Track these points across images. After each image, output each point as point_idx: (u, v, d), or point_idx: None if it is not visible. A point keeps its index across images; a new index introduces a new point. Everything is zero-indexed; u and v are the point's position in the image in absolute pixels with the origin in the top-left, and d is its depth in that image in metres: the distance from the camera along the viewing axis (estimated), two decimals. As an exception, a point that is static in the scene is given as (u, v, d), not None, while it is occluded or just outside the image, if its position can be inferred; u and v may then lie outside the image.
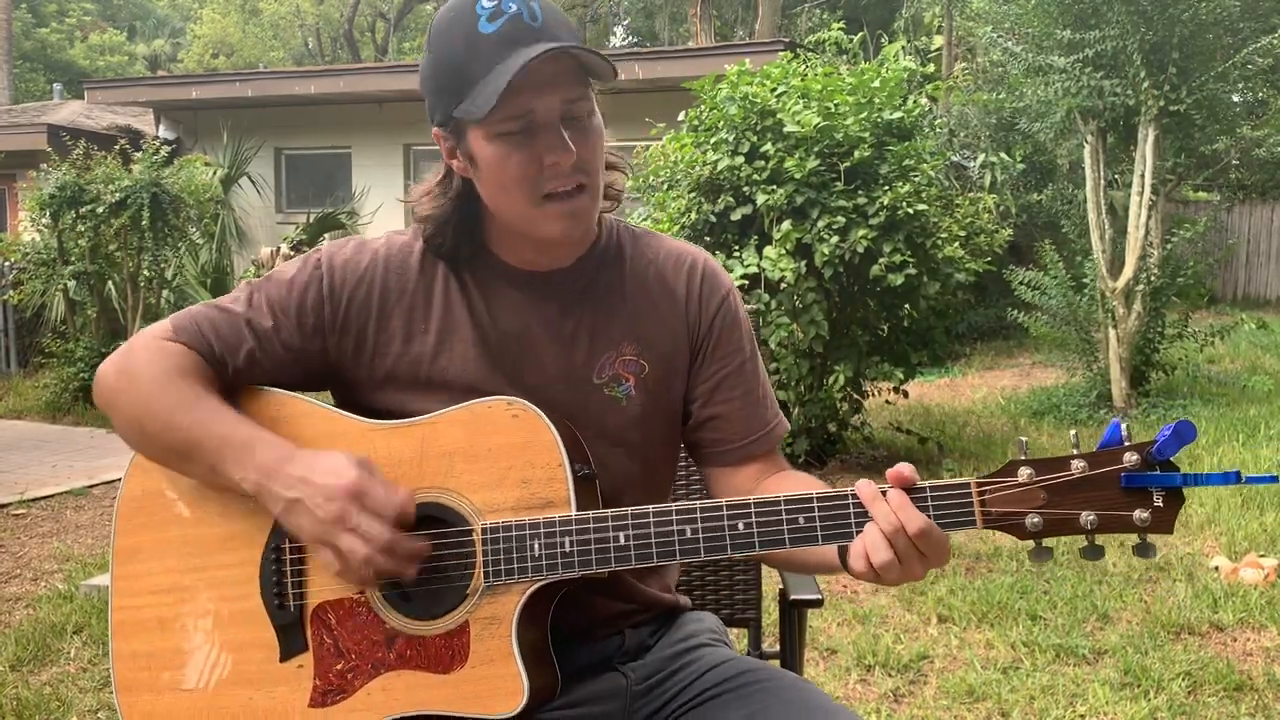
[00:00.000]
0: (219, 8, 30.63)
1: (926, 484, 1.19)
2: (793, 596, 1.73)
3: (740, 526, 1.21)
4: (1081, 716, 2.99)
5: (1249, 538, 4.53)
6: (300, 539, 1.26)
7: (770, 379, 5.92)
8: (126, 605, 1.36)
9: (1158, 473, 1.14)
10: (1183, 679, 3.17)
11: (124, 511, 1.38)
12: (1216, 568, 4.15)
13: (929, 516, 1.16)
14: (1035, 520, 1.16)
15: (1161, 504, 1.14)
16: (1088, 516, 1.15)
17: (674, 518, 1.23)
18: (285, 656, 1.31)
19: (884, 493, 1.18)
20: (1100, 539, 1.17)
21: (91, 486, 6.12)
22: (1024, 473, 1.17)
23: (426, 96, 1.33)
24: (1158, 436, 1.12)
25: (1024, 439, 1.22)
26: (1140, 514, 1.14)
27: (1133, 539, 1.17)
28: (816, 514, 1.20)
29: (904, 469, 1.18)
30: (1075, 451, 1.17)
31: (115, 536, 1.38)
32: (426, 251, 1.40)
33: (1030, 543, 1.19)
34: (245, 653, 1.32)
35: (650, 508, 1.24)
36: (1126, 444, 1.15)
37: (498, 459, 1.28)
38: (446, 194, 1.37)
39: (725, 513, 1.22)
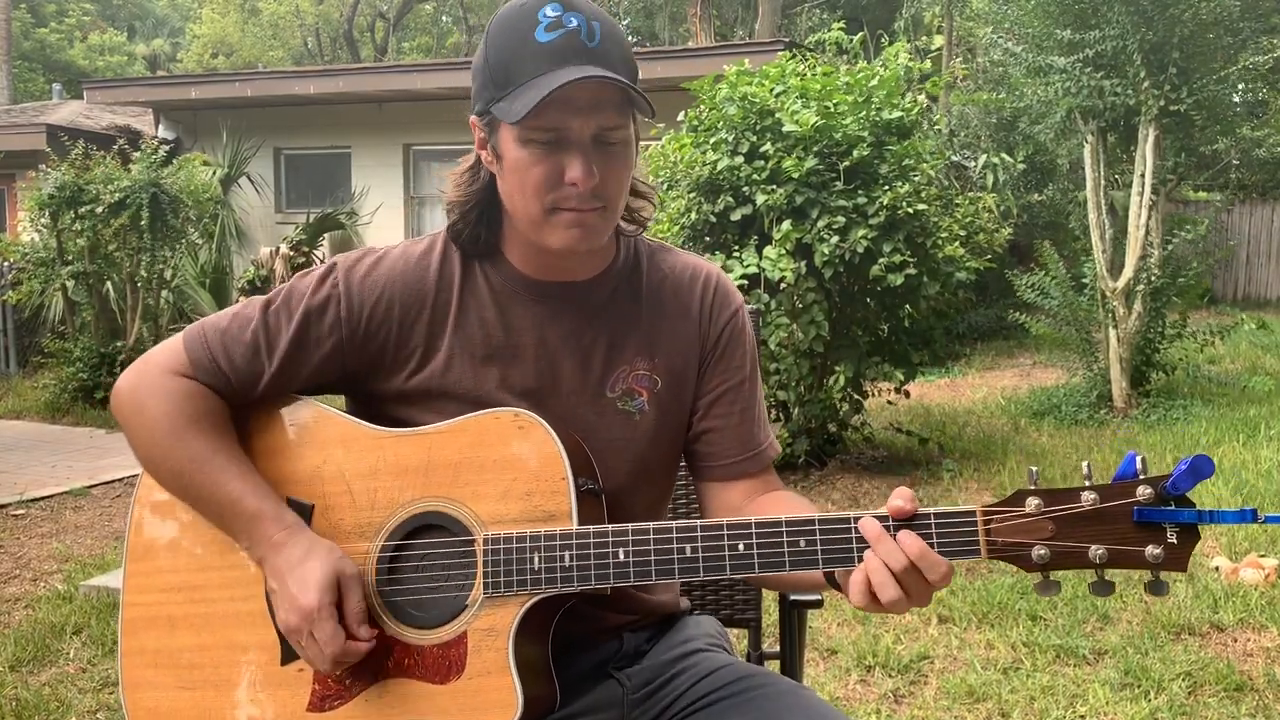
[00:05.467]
0: (218, 7, 30.60)
1: (930, 510, 1.16)
2: (792, 597, 1.73)
3: (740, 547, 1.20)
4: (1082, 717, 2.99)
5: (1249, 538, 4.52)
6: None
7: (770, 379, 5.84)
8: (137, 602, 1.38)
9: (1172, 508, 1.11)
10: (1183, 679, 3.16)
11: (139, 509, 1.40)
12: (1217, 568, 4.14)
13: (932, 543, 1.14)
14: (1042, 552, 1.13)
15: (1175, 540, 1.11)
16: (1097, 551, 1.12)
17: (674, 536, 1.22)
18: (286, 660, 1.32)
19: (887, 527, 1.15)
20: (1110, 573, 1.14)
21: (91, 487, 6.11)
22: (1032, 503, 1.13)
23: (473, 83, 1.34)
24: (1174, 471, 1.09)
25: (1034, 468, 1.18)
26: (1153, 550, 1.11)
27: (1144, 574, 1.13)
28: (818, 538, 1.19)
29: (904, 505, 1.16)
30: (1087, 483, 1.13)
31: (129, 533, 1.39)
32: (444, 260, 1.39)
33: (1036, 574, 1.15)
34: (248, 654, 1.33)
35: (651, 525, 1.23)
36: (1141, 477, 1.11)
37: (503, 470, 1.28)
38: (474, 183, 1.37)
39: (726, 533, 1.21)
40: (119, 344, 8.61)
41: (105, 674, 3.38)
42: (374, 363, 1.37)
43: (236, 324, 1.37)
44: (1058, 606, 3.77)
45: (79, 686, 3.30)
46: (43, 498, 5.86)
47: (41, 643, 3.65)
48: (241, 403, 1.37)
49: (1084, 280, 7.78)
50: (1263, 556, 4.19)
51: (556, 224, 1.29)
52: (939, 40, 14.24)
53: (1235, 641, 3.50)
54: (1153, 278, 7.35)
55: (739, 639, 1.94)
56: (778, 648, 1.79)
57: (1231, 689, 3.12)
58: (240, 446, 1.36)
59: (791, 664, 1.76)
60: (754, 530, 1.20)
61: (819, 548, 1.18)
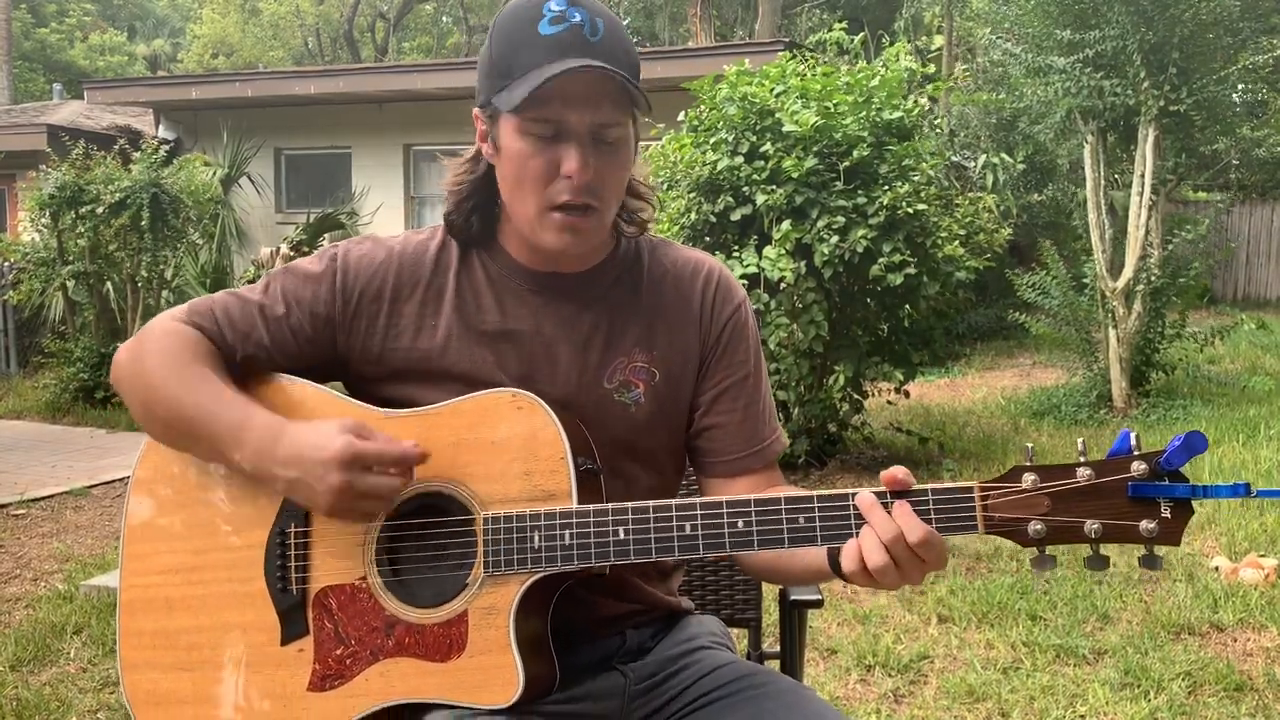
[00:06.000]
0: (219, 8, 30.60)
1: (928, 487, 1.17)
2: (793, 597, 1.73)
3: (740, 524, 1.21)
4: (1082, 717, 2.99)
5: (1249, 538, 4.52)
6: (317, 512, 1.28)
7: (770, 379, 5.92)
8: (135, 584, 1.39)
9: (1166, 483, 1.12)
10: (1183, 679, 3.17)
11: (136, 490, 1.40)
12: (1217, 568, 4.15)
13: (930, 519, 1.15)
14: (1038, 527, 1.14)
15: (1169, 515, 1.12)
16: (1092, 525, 1.13)
17: (674, 514, 1.23)
18: (286, 640, 1.32)
19: (885, 504, 1.16)
20: (1105, 548, 1.15)
21: (91, 487, 6.11)
22: (1028, 479, 1.15)
23: (477, 77, 1.35)
24: (1167, 446, 1.10)
25: (1030, 445, 1.20)
26: (1147, 524, 1.12)
27: (1138, 549, 1.15)
28: (816, 515, 1.20)
29: (898, 472, 1.17)
30: (1082, 459, 1.15)
31: (126, 515, 1.40)
32: (443, 247, 1.42)
33: (1032, 550, 1.17)
34: (248, 635, 1.33)
35: (650, 503, 1.24)
36: (1135, 453, 1.13)
37: (502, 450, 1.29)
38: (474, 173, 1.40)
39: (725, 510, 1.22)
40: (119, 344, 8.59)
41: (106, 673, 3.38)
42: (364, 339, 1.39)
43: (243, 290, 1.42)
44: (1057, 606, 3.78)
45: (79, 686, 3.30)
46: (43, 498, 5.86)
47: (42, 642, 3.65)
48: (233, 358, 1.38)
49: (1084, 280, 7.79)
50: (1262, 556, 4.19)
51: (549, 225, 1.31)
52: (939, 40, 14.24)
53: (1235, 641, 3.51)
54: (1153, 278, 7.35)
55: (739, 638, 1.94)
56: (778, 647, 1.80)
57: (1231, 689, 3.12)
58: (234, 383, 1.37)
59: (792, 663, 1.76)
60: (753, 507, 1.21)
61: (817, 524, 1.19)
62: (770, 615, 1.86)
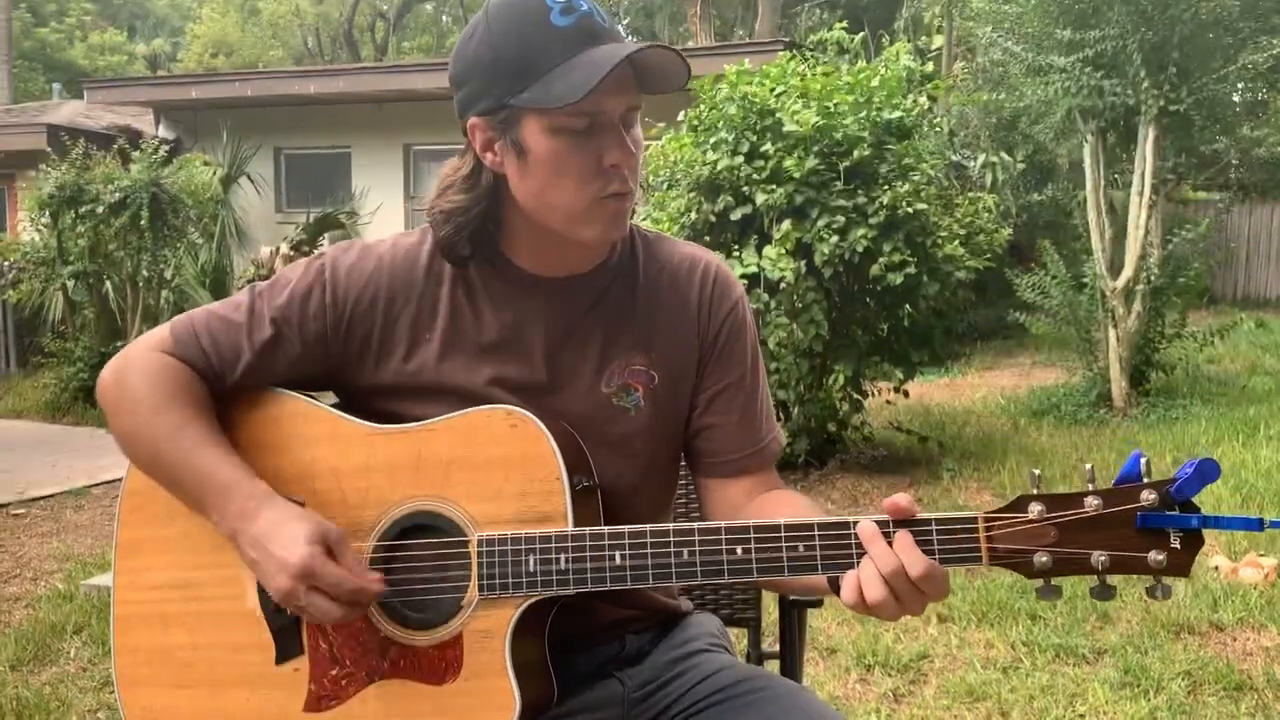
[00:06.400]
0: (218, 7, 30.61)
1: (931, 516, 1.14)
2: (792, 596, 1.72)
3: (738, 552, 1.18)
4: (1081, 716, 2.99)
5: (1249, 537, 4.51)
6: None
7: (770, 379, 5.86)
8: (129, 600, 1.37)
9: (1176, 513, 1.08)
10: (1182, 679, 3.17)
11: (127, 505, 1.38)
12: (1216, 567, 4.14)
13: (932, 551, 1.12)
14: (1044, 559, 1.11)
15: (1179, 546, 1.08)
16: (1099, 557, 1.09)
17: (671, 540, 1.20)
18: (281, 659, 1.30)
19: (886, 534, 1.13)
20: (1112, 579, 1.12)
21: (91, 486, 6.12)
22: (1034, 509, 1.11)
23: (470, 82, 1.27)
24: (1178, 474, 1.07)
25: (1036, 471, 1.15)
26: (1155, 556, 1.08)
27: (1145, 579, 1.11)
28: (817, 543, 1.17)
29: (900, 500, 1.14)
30: (1091, 487, 1.11)
31: (118, 530, 1.38)
32: (435, 254, 1.36)
33: (1038, 580, 1.13)
34: (243, 654, 1.31)
35: (648, 528, 1.21)
36: (1145, 481, 1.09)
37: (495, 470, 1.26)
38: (474, 189, 1.31)
39: (724, 537, 1.19)
40: (119, 344, 8.60)
41: (105, 673, 3.38)
42: (359, 354, 1.35)
43: (226, 306, 1.36)
44: (1057, 606, 3.77)
45: (79, 686, 3.30)
46: (43, 497, 5.86)
47: (42, 642, 3.65)
48: (221, 385, 1.34)
49: (1084, 280, 7.78)
50: (1262, 555, 4.19)
51: (595, 217, 1.27)
52: (939, 40, 14.23)
53: (1235, 641, 3.50)
54: (1152, 277, 7.35)
55: (738, 638, 1.93)
56: (777, 647, 1.79)
57: (1231, 688, 3.12)
58: (218, 423, 1.33)
59: (791, 664, 1.75)
60: (752, 535, 1.18)
61: (818, 553, 1.17)
62: (770, 615, 1.85)
